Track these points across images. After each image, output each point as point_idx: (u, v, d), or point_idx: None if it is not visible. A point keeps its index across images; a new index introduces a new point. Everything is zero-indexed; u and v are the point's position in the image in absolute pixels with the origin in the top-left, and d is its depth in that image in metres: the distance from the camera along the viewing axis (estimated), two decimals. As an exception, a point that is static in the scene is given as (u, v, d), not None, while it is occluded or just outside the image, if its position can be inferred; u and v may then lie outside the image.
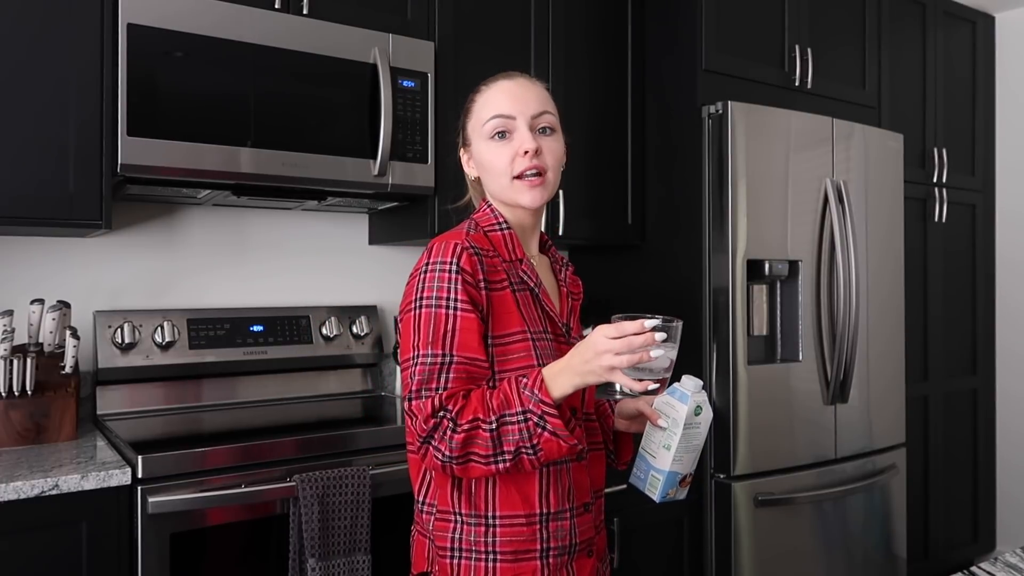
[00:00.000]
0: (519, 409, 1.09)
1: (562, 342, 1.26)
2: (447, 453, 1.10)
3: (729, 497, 2.35)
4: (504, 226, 1.27)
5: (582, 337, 1.33)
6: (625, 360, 1.04)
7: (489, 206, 1.30)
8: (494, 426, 1.09)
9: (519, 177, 1.23)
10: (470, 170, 1.33)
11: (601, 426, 1.38)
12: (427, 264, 1.18)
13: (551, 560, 1.19)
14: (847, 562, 2.60)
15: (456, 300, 1.15)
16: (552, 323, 1.26)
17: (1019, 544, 3.48)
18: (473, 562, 1.18)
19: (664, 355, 1.08)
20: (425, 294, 1.16)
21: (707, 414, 1.28)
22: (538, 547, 1.18)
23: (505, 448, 1.09)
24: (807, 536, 2.50)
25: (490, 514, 1.18)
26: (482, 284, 1.17)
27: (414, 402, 1.14)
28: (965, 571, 1.12)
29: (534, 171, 1.22)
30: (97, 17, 1.82)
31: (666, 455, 1.26)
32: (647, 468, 1.29)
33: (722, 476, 2.37)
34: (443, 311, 1.14)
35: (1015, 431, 3.56)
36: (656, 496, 1.28)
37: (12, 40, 1.74)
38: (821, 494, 2.50)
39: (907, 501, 2.90)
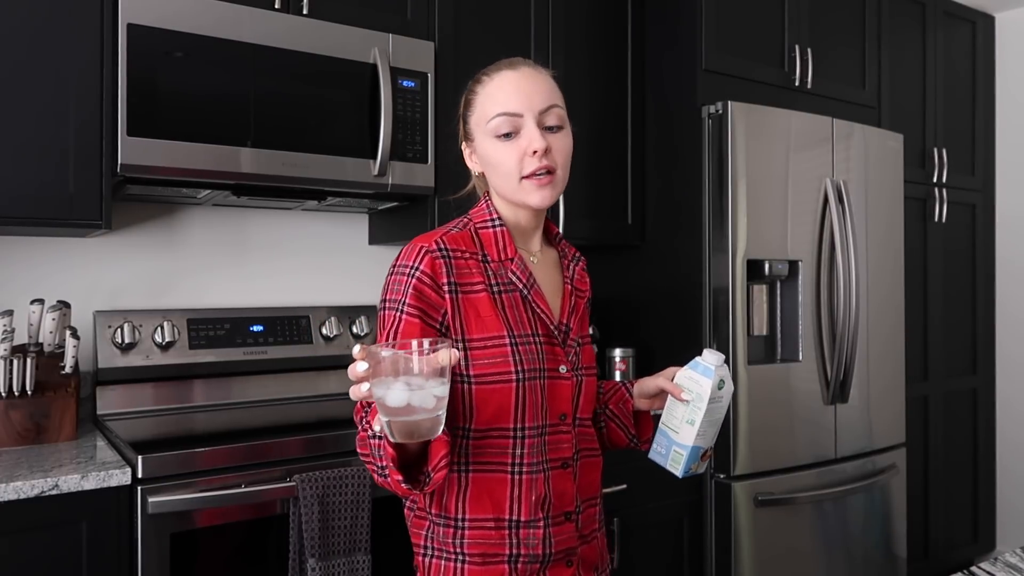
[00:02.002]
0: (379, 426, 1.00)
1: (555, 344, 1.20)
2: (358, 451, 1.11)
3: (729, 497, 2.35)
4: (497, 223, 1.22)
5: (583, 338, 1.28)
6: (352, 392, 0.96)
7: (487, 201, 1.25)
8: (371, 434, 1.06)
9: (528, 176, 1.17)
10: (473, 165, 1.27)
11: (621, 412, 1.33)
12: (393, 267, 1.17)
13: (520, 567, 1.15)
14: (847, 562, 2.60)
15: (404, 304, 1.13)
16: (543, 325, 1.20)
17: (1019, 544, 3.48)
18: (444, 561, 1.16)
19: (383, 392, 0.91)
20: (386, 296, 1.16)
21: (729, 388, 1.23)
22: (507, 552, 1.15)
23: (378, 462, 1.05)
24: (807, 536, 2.50)
25: (459, 516, 1.15)
26: (446, 287, 1.14)
27: None
28: (965, 571, 1.12)
29: (544, 171, 1.17)
30: (97, 17, 1.82)
31: (689, 430, 1.23)
32: (669, 444, 1.26)
33: (722, 476, 2.37)
34: (393, 313, 1.14)
35: (1015, 432, 3.56)
36: (679, 471, 1.25)
37: (12, 40, 1.74)
38: (821, 494, 2.51)
39: (907, 501, 2.90)
